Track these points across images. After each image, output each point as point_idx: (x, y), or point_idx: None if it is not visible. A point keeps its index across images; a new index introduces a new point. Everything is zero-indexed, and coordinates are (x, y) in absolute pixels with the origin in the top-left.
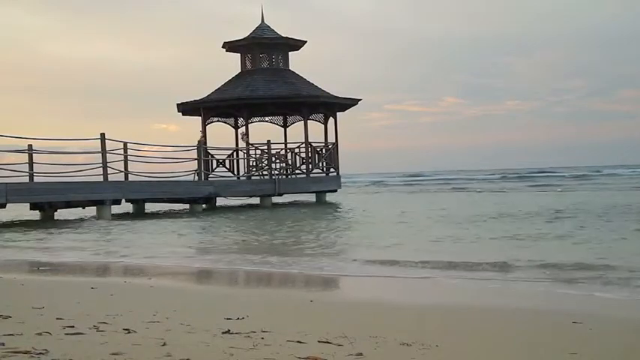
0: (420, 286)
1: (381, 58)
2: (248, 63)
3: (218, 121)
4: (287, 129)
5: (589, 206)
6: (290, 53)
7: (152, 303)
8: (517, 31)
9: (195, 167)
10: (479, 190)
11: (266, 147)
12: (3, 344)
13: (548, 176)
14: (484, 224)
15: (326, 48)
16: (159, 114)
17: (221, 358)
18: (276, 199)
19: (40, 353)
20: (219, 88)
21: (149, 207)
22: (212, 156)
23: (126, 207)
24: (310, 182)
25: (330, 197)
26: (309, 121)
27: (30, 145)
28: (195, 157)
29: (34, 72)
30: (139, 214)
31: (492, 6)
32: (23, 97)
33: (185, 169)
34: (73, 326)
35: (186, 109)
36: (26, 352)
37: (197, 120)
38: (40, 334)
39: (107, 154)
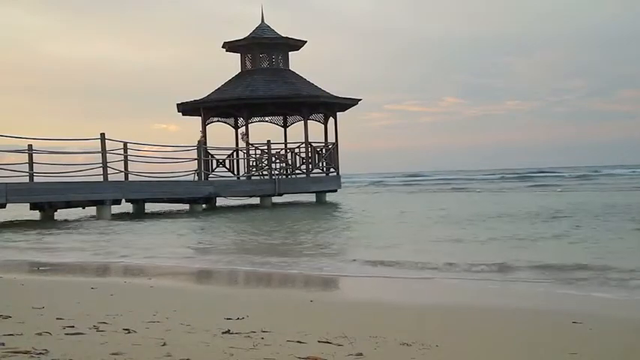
0: (420, 286)
1: (381, 58)
2: (248, 63)
3: (218, 121)
4: (287, 129)
5: (588, 206)
6: (290, 53)
7: (152, 303)
8: (517, 31)
9: (195, 167)
10: (478, 190)
11: (266, 147)
12: (3, 344)
13: (547, 176)
14: (484, 224)
15: (326, 48)
16: (159, 114)
17: (221, 358)
18: (276, 199)
19: (40, 353)
20: (219, 88)
21: (149, 207)
22: (212, 156)
23: (126, 207)
24: (310, 182)
25: (330, 197)
26: (309, 121)
27: (30, 145)
28: (195, 157)
29: (34, 72)
30: (139, 214)
31: (492, 6)
32: (23, 97)
33: (185, 169)
34: (73, 326)
35: (186, 109)
36: (26, 352)
37: (197, 120)
38: (40, 334)
39: (107, 154)
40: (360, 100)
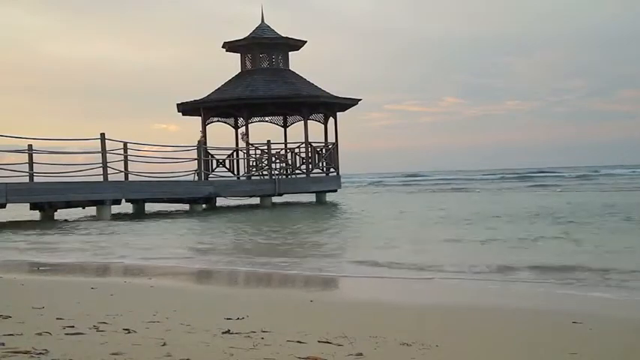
0: (420, 286)
1: (381, 58)
2: (248, 63)
3: (218, 121)
4: (287, 129)
5: (588, 206)
6: (290, 53)
7: (152, 303)
8: (517, 31)
9: (195, 167)
10: (478, 190)
11: (266, 147)
12: (3, 344)
13: (547, 176)
14: (483, 224)
15: (326, 48)
16: (159, 114)
17: (221, 358)
18: (276, 199)
19: (40, 353)
20: (219, 88)
21: (149, 207)
22: (212, 156)
23: (126, 207)
24: (310, 182)
25: (330, 197)
26: (309, 121)
27: (30, 145)
28: (195, 157)
29: (34, 72)
30: (138, 214)
31: (492, 6)
32: (23, 97)
33: (185, 169)
34: (73, 326)
35: (186, 109)
36: (26, 352)
37: (197, 120)
38: (40, 334)
39: (107, 154)
40: (360, 100)
